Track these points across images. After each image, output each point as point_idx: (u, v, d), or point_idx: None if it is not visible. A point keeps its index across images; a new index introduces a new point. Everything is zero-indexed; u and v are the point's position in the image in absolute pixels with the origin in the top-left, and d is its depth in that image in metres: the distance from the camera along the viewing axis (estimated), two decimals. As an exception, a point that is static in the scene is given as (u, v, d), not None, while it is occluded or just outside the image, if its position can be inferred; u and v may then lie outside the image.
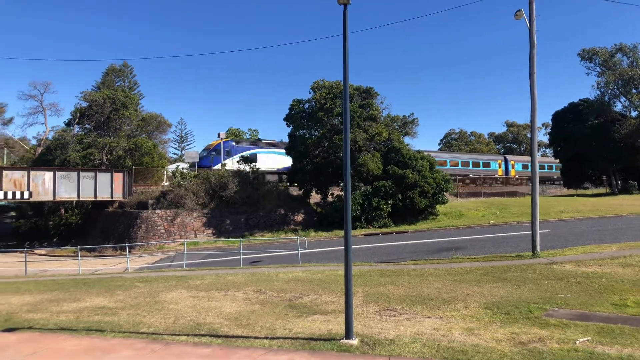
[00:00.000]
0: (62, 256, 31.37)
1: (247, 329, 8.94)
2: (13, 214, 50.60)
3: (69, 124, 53.92)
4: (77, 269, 22.54)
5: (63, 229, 41.63)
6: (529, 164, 69.71)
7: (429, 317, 9.30)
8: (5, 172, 32.76)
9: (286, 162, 45.05)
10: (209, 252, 28.53)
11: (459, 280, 13.09)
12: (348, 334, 7.86)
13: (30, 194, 33.58)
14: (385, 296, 11.47)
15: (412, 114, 44.09)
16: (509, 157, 70.30)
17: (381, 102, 42.39)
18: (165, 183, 40.02)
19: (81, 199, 36.23)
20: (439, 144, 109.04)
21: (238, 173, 39.70)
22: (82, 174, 35.72)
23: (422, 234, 30.56)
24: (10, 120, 66.42)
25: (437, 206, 38.48)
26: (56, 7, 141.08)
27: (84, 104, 54.36)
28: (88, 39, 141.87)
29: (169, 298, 12.62)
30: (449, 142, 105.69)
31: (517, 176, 66.37)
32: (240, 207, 37.03)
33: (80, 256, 24.07)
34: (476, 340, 7.64)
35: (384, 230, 34.50)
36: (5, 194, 32.65)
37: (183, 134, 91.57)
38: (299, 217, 39.16)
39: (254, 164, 43.54)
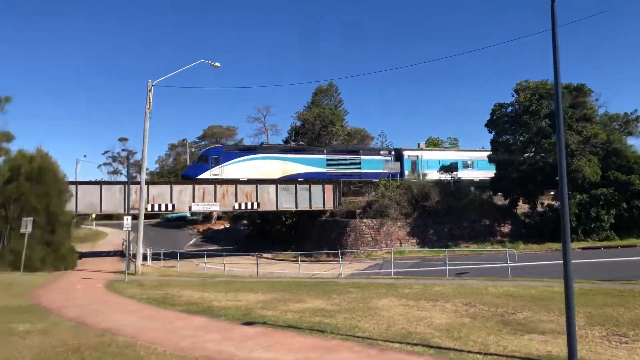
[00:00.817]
0: (284, 260, 35.14)
1: (458, 342, 8.95)
2: (245, 222, 58.47)
3: (286, 141, 60.40)
4: (297, 272, 25.09)
5: (284, 236, 46.56)
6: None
7: (673, 348, 8.09)
8: (239, 186, 38.42)
9: (299, 169, 41.17)
10: (414, 261, 28.92)
11: None
12: (571, 358, 7.31)
13: (259, 205, 38.73)
14: (614, 319, 10.29)
15: (636, 110, 38.16)
16: None
17: (596, 100, 37.82)
18: (371, 193, 41.91)
19: (298, 209, 40.26)
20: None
21: (439, 183, 39.57)
22: (298, 186, 39.76)
23: (656, 250, 26.40)
24: (240, 141, 77.48)
25: (674, 217, 32.73)
26: (275, 39, 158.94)
27: (298, 123, 60.30)
28: (299, 63, 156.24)
29: (380, 305, 13.26)
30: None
31: None
32: (443, 217, 36.75)
33: (300, 261, 26.71)
34: None
35: (605, 243, 30.78)
36: (240, 204, 38.44)
37: (384, 146, 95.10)
38: (505, 228, 37.19)
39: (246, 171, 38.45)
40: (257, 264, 26.46)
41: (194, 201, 37.22)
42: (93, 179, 58.33)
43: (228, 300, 15.36)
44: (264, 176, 39.12)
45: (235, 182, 38.60)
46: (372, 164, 42.66)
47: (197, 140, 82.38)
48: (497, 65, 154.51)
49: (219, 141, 71.57)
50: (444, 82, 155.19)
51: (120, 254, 38.41)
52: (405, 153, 43.98)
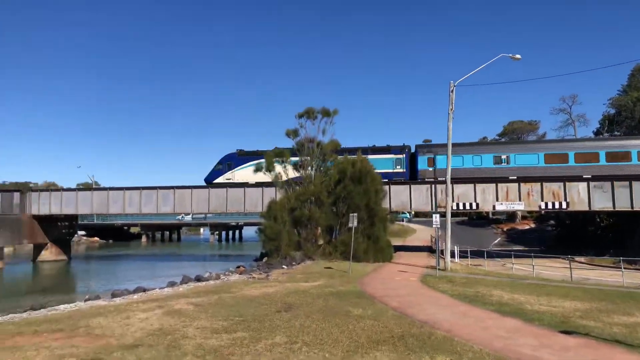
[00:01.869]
0: (600, 266, 31.77)
1: None
2: (552, 222, 54.80)
3: (597, 133, 53.97)
4: (619, 280, 22.40)
5: (598, 238, 41.91)
6: None
7: None
8: (544, 184, 36.36)
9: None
10: None
11: None
12: None
13: (567, 204, 35.87)
14: None
15: None
16: None
17: None
18: None
19: (616, 209, 35.58)
20: None
21: None
22: (616, 183, 35.10)
23: None
24: (543, 136, 72.50)
25: None
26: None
27: (612, 111, 53.20)
28: (609, 45, 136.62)
29: None
30: None
31: None
32: None
33: (622, 267, 23.78)
34: None
35: None
36: (546, 203, 36.41)
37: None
38: None
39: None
40: (570, 268, 24.73)
41: (497, 200, 37.03)
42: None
43: (540, 304, 14.99)
44: (270, 179, 38.28)
45: (541, 179, 36.68)
46: (381, 164, 40.10)
47: (497, 137, 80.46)
48: None
49: (520, 138, 68.58)
50: None
51: (428, 249, 40.88)
52: (420, 151, 40.86)
